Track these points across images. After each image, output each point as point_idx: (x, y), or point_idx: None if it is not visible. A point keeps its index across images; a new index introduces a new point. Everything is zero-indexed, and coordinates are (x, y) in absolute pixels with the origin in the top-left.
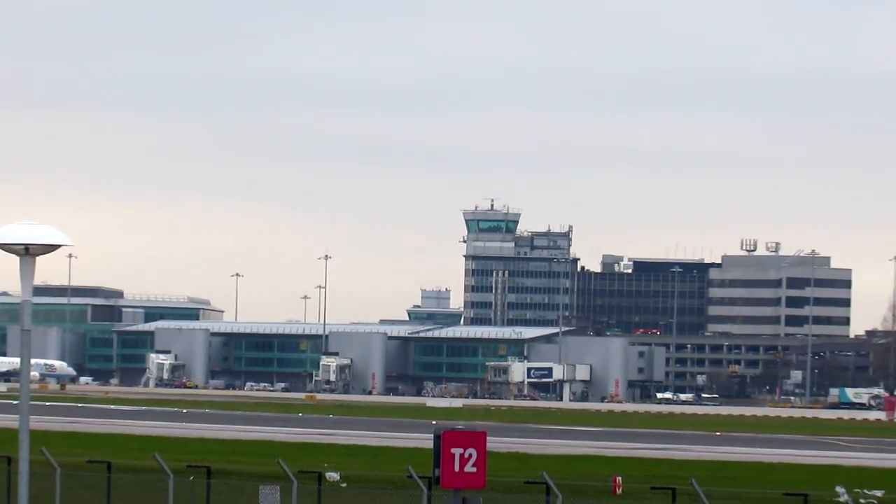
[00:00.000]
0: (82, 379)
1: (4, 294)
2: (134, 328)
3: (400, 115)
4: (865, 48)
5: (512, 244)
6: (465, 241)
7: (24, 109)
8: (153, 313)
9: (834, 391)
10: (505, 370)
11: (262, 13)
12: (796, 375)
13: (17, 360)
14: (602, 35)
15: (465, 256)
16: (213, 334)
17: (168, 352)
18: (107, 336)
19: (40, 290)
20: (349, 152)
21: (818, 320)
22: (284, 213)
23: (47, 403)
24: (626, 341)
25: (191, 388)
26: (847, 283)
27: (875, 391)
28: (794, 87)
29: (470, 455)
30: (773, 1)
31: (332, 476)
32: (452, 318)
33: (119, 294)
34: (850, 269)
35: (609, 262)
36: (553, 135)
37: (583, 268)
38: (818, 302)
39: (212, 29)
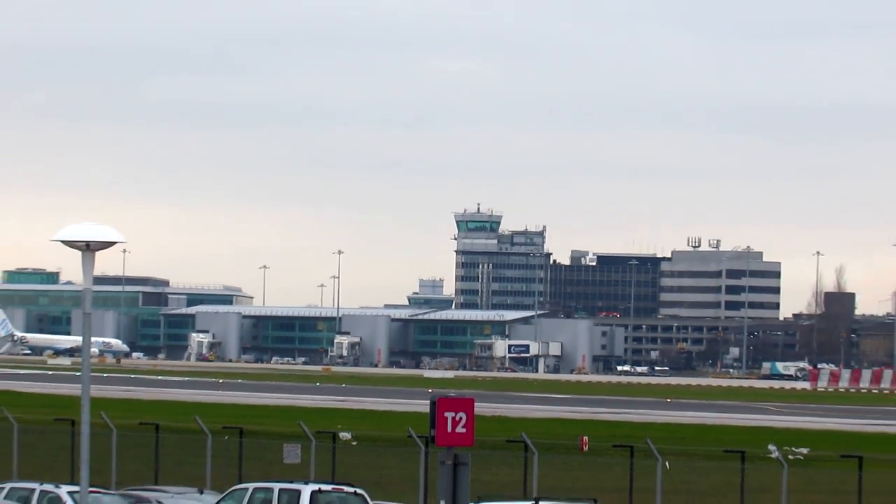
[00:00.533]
0: (134, 354)
1: (69, 283)
2: (178, 312)
3: (402, 133)
4: (789, 80)
5: (495, 241)
6: (455, 239)
7: (94, 125)
8: (194, 299)
9: (766, 364)
10: (489, 347)
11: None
12: (734, 351)
13: (80, 338)
14: (565, 67)
15: (455, 252)
16: (245, 317)
17: (206, 331)
18: (155, 318)
19: (99, 280)
20: (358, 164)
21: (752, 305)
22: (305, 214)
23: (105, 375)
24: (591, 323)
25: (212, 360)
26: (777, 274)
27: (801, 364)
28: (735, 112)
29: (460, 418)
30: (711, 41)
31: (345, 436)
32: (445, 304)
33: (165, 283)
34: (779, 262)
35: (576, 256)
36: (529, 150)
37: (554, 261)
38: (752, 290)
39: (250, 59)
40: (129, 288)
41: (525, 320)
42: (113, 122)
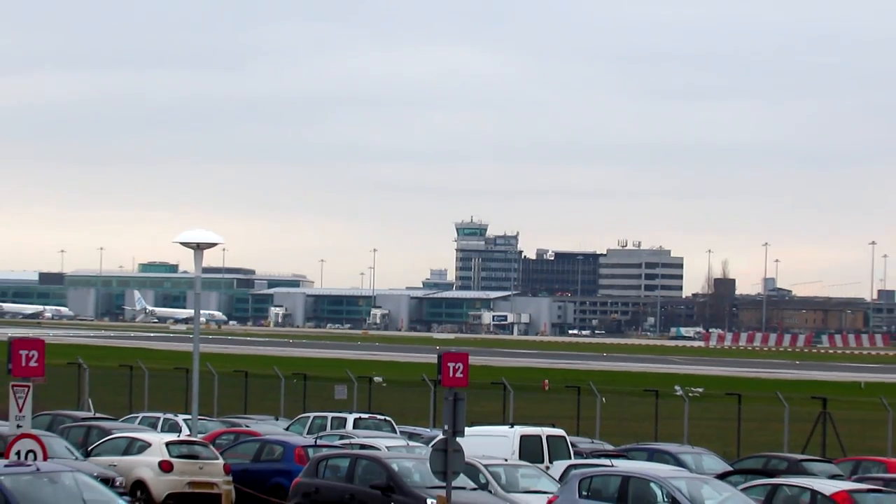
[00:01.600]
0: (230, 323)
1: (185, 272)
2: (261, 292)
3: (419, 167)
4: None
5: (483, 243)
6: (455, 241)
7: (207, 161)
8: (272, 283)
9: (673, 329)
10: (479, 317)
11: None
12: (650, 320)
13: (192, 311)
14: (535, 118)
15: (455, 250)
16: (308, 296)
17: (281, 306)
18: (245, 297)
19: (205, 270)
20: (387, 188)
21: (663, 287)
22: (350, 223)
23: (209, 337)
24: (550, 300)
25: (266, 326)
26: (680, 266)
27: (697, 329)
28: (653, 150)
29: (459, 367)
30: (637, 101)
31: (378, 379)
32: (448, 287)
33: (252, 272)
34: (682, 257)
35: (540, 252)
36: (508, 178)
37: (525, 256)
38: (663, 277)
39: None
40: (226, 275)
41: (504, 298)
42: (219, 159)
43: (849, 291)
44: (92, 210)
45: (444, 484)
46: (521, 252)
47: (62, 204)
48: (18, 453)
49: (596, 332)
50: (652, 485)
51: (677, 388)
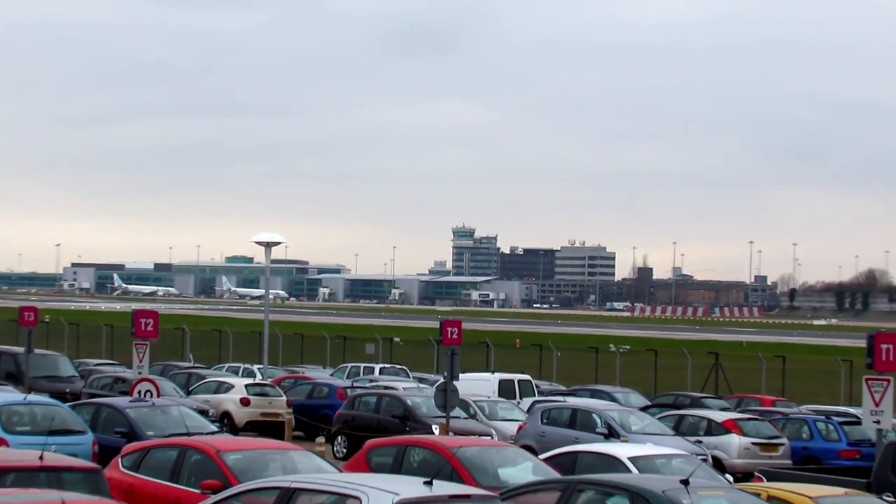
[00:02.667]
0: (290, 299)
1: (258, 263)
2: (312, 277)
3: (425, 186)
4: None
5: (471, 242)
6: (452, 241)
7: (281, 182)
8: (321, 270)
9: (608, 304)
10: (469, 295)
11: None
12: (592, 297)
13: (264, 290)
14: (507, 152)
15: (452, 247)
16: (346, 280)
17: (327, 287)
18: (301, 281)
19: (272, 261)
20: (402, 202)
21: (602, 274)
22: (377, 229)
23: (275, 309)
24: (520, 283)
25: (317, 302)
26: (613, 257)
27: (626, 304)
28: (589, 174)
29: (454, 330)
30: (584, 135)
31: (397, 339)
32: (447, 273)
33: (306, 263)
34: (614, 252)
35: (513, 249)
36: (489, 193)
37: (502, 252)
38: (601, 266)
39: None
40: (287, 265)
41: (487, 281)
42: (283, 181)
43: (734, 277)
44: (192, 218)
45: (444, 414)
46: (499, 248)
47: (171, 213)
48: (140, 392)
49: (553, 305)
50: (593, 414)
51: (611, 346)
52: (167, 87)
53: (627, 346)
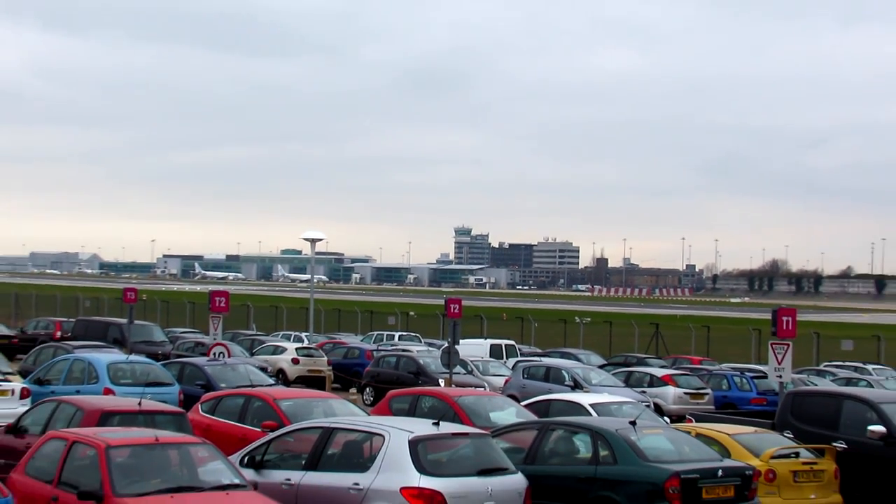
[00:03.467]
0: (330, 283)
1: (306, 254)
2: (346, 265)
3: (440, 197)
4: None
5: (469, 238)
6: (454, 237)
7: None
8: (354, 260)
9: (574, 286)
10: (467, 280)
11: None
12: (561, 281)
13: (310, 276)
14: (498, 173)
15: (454, 242)
16: (373, 268)
17: (358, 274)
18: (338, 269)
19: (317, 253)
20: (415, 209)
21: (569, 263)
22: (396, 227)
23: (319, 290)
24: (507, 270)
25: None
26: (577, 251)
27: (587, 286)
28: (567, 187)
29: (456, 306)
30: (556, 156)
31: (412, 314)
32: (450, 262)
33: (342, 254)
34: (578, 247)
35: (501, 244)
36: (483, 200)
37: (492, 246)
38: (569, 257)
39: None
40: (327, 256)
41: (482, 269)
42: (326, 191)
43: (670, 265)
44: (254, 219)
45: (448, 371)
46: (490, 243)
47: (238, 216)
48: (215, 353)
49: (531, 287)
50: (562, 371)
51: (577, 318)
52: (233, 120)
53: (588, 319)
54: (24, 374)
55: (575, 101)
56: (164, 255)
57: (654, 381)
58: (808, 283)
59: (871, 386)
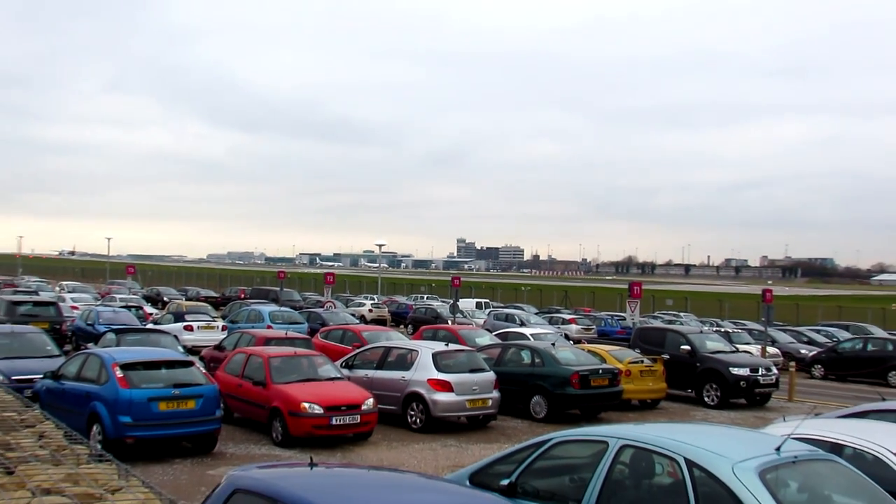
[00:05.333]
0: (389, 269)
1: (375, 253)
2: (398, 259)
3: (446, 220)
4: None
5: (464, 244)
6: (456, 244)
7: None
8: (402, 256)
9: (521, 270)
10: (463, 267)
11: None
12: (515, 268)
13: (377, 264)
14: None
15: (457, 246)
16: (413, 260)
17: (404, 264)
18: (394, 261)
19: (384, 252)
20: (435, 225)
21: (518, 257)
22: (427, 238)
23: (382, 272)
24: (485, 262)
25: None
26: (523, 251)
27: (529, 271)
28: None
29: (457, 281)
30: (508, 199)
31: (433, 285)
32: (454, 258)
33: (396, 253)
34: (524, 248)
35: (482, 246)
36: (471, 222)
37: (477, 248)
38: (517, 254)
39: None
40: (387, 254)
41: (471, 261)
42: (388, 215)
43: (576, 258)
44: (349, 232)
45: (452, 316)
46: (475, 246)
47: (340, 230)
48: (327, 306)
49: (497, 271)
50: (515, 316)
51: (522, 288)
52: (336, 179)
53: (528, 288)
54: (223, 317)
55: (520, 169)
56: (300, 254)
57: (564, 322)
58: (648, 268)
59: (682, 324)
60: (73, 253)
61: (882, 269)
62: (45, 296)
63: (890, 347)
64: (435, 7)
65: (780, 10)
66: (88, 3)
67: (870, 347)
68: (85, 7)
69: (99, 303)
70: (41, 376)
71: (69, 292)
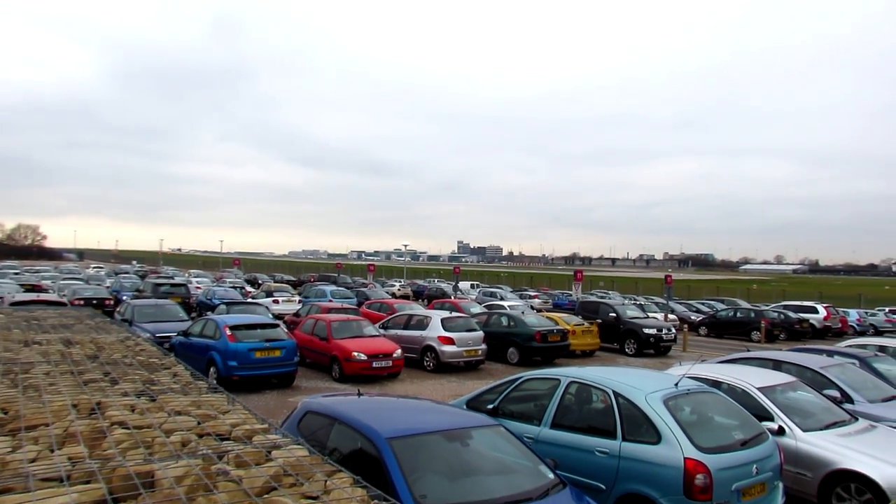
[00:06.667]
0: (410, 261)
1: (402, 252)
2: (416, 254)
3: (455, 227)
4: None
5: (462, 244)
6: (457, 243)
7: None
8: (420, 253)
9: (502, 262)
10: (461, 260)
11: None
12: (496, 260)
13: (403, 258)
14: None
15: (457, 246)
16: (427, 255)
17: (420, 258)
18: (413, 256)
19: (408, 251)
20: (444, 231)
21: (498, 254)
22: (436, 240)
23: (406, 263)
24: (476, 257)
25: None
26: (501, 249)
27: (506, 262)
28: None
29: (458, 269)
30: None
31: (441, 273)
32: (455, 254)
33: (415, 250)
34: (502, 247)
35: (475, 246)
36: (469, 230)
37: (471, 247)
38: (498, 251)
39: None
40: (410, 250)
41: (466, 256)
42: (412, 225)
43: (537, 253)
44: (385, 236)
45: (454, 293)
46: (470, 246)
47: (378, 236)
48: (371, 286)
49: (483, 262)
50: (497, 293)
51: (501, 274)
52: (382, 199)
53: (505, 274)
54: (300, 294)
55: (500, 193)
56: (351, 251)
57: (530, 297)
58: (587, 261)
59: (610, 299)
60: (179, 250)
61: (747, 262)
62: (178, 279)
63: (752, 315)
64: (442, 84)
65: (678, 86)
66: (204, 78)
67: (739, 315)
68: (202, 81)
69: (215, 284)
70: (175, 334)
71: (194, 277)
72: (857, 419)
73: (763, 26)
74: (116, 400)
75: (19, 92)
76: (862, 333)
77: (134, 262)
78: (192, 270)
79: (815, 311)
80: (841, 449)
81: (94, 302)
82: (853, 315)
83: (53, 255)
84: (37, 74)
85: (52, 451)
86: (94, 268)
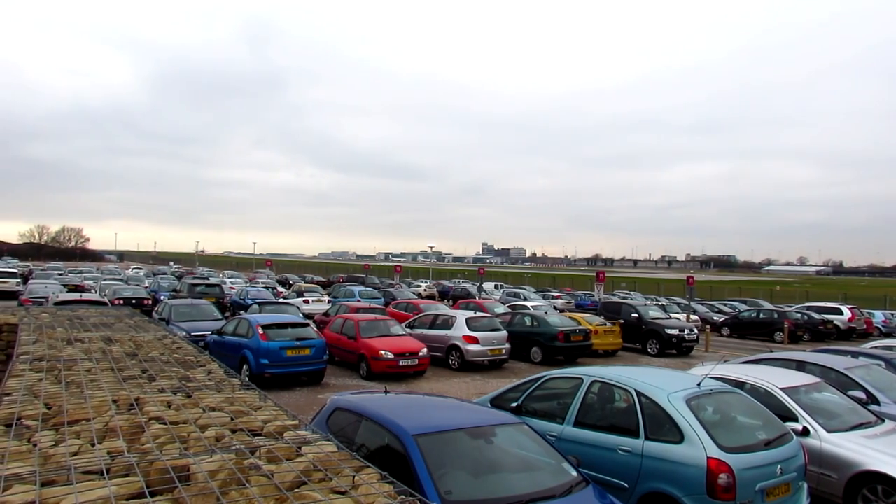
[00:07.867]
0: (436, 262)
1: (428, 253)
2: (441, 255)
3: (477, 230)
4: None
5: (486, 246)
6: (482, 246)
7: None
8: (445, 254)
9: (526, 264)
10: (485, 261)
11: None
12: (521, 261)
13: (430, 259)
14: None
15: (482, 248)
16: (453, 257)
17: (447, 259)
18: (440, 257)
19: (434, 252)
20: (468, 235)
21: (522, 255)
22: (461, 242)
23: (434, 265)
24: (500, 258)
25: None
26: (525, 250)
27: (531, 264)
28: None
29: (483, 270)
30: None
31: (466, 274)
32: (480, 256)
33: (441, 251)
34: (525, 249)
35: (499, 248)
36: (492, 232)
37: (495, 249)
38: (522, 253)
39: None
40: (436, 251)
41: (490, 258)
42: (439, 227)
43: (560, 255)
44: (411, 238)
45: (478, 293)
46: (494, 248)
47: (403, 238)
48: (395, 285)
49: (507, 264)
50: (520, 293)
51: (526, 275)
52: (401, 206)
53: (529, 275)
54: (329, 294)
55: (523, 196)
56: (379, 252)
57: (553, 298)
58: (609, 262)
59: (632, 299)
60: (203, 251)
61: (769, 263)
62: (212, 280)
63: (775, 315)
64: (465, 91)
65: (702, 88)
66: (238, 87)
67: (761, 316)
68: (237, 89)
69: (248, 284)
70: (210, 333)
71: (228, 277)
72: (883, 421)
73: (785, 30)
74: (154, 396)
75: (67, 101)
76: (888, 335)
77: (171, 264)
78: (225, 271)
79: (839, 312)
80: (867, 450)
81: (133, 302)
82: (878, 316)
83: (95, 256)
84: (82, 83)
85: (93, 445)
86: (134, 269)
